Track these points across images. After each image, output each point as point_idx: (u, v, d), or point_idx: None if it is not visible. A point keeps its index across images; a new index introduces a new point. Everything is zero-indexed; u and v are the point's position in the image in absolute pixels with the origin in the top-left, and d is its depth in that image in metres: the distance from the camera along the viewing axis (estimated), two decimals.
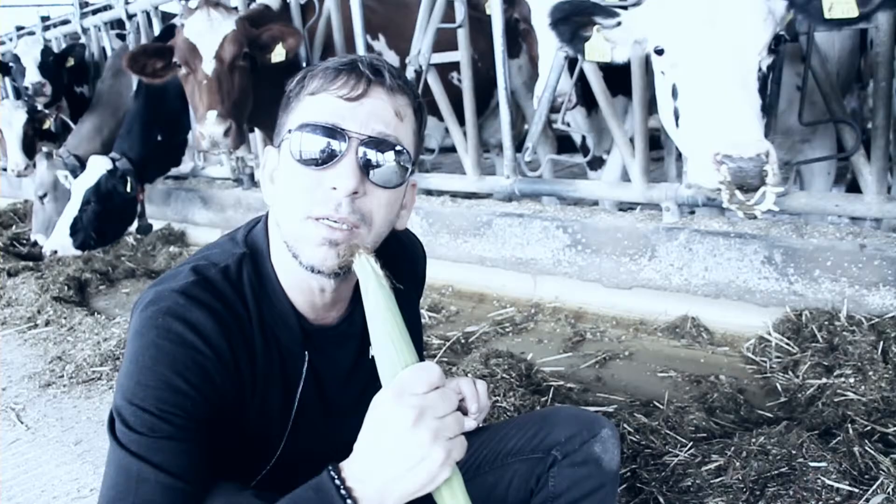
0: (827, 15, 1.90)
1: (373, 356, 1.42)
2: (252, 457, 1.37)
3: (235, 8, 4.22)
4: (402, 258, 1.56)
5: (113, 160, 4.97)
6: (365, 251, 1.21)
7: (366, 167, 1.22)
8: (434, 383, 1.04)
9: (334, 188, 1.21)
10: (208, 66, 3.96)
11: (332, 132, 1.21)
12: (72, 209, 4.87)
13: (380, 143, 1.23)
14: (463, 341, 3.42)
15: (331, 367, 1.42)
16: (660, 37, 2.01)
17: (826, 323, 2.78)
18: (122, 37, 6.51)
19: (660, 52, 2.01)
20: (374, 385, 1.11)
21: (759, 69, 1.87)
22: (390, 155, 1.24)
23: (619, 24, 2.07)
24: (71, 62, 6.53)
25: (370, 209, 1.25)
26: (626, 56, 2.16)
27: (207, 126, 3.89)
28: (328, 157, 1.21)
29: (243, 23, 4.08)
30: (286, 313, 1.34)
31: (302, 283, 1.33)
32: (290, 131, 1.25)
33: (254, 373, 1.29)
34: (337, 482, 1.02)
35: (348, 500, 1.01)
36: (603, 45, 2.13)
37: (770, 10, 1.90)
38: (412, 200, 1.41)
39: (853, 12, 1.87)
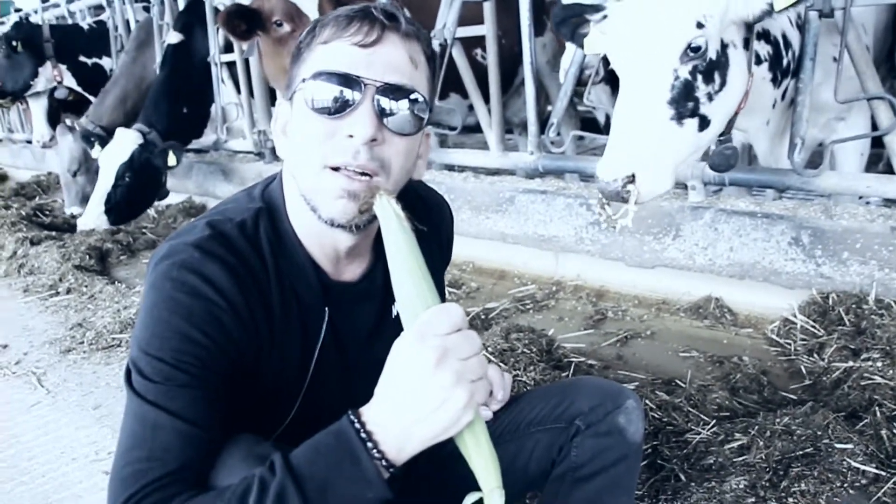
0: None
1: (396, 315, 1.40)
2: (269, 413, 1.36)
3: None
4: (427, 221, 1.54)
5: (143, 133, 4.94)
6: (386, 192, 1.18)
7: (382, 115, 1.21)
8: (457, 324, 1.01)
9: (351, 136, 1.19)
10: None
11: (348, 80, 1.19)
12: (104, 185, 4.83)
13: (396, 91, 1.21)
14: (483, 317, 3.40)
15: (352, 325, 1.40)
16: (606, 43, 2.14)
17: (854, 306, 2.73)
18: (146, 9, 6.50)
19: (607, 61, 2.18)
20: None
21: (676, 76, 2.00)
22: (405, 102, 1.23)
23: (605, 16, 2.14)
24: (20, 49, 6.43)
25: (388, 156, 1.23)
26: None
27: None
28: (343, 106, 1.20)
29: None
30: (305, 268, 1.33)
31: (320, 237, 1.32)
32: (303, 80, 1.23)
33: (271, 327, 1.28)
34: (357, 426, 1.01)
35: (368, 444, 1.00)
36: (598, 38, 2.22)
37: (698, 20, 1.98)
38: (427, 150, 1.39)
39: None
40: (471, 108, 4.29)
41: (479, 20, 3.95)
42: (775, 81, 2.44)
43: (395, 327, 1.38)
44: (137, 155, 4.85)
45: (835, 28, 2.59)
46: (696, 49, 1.98)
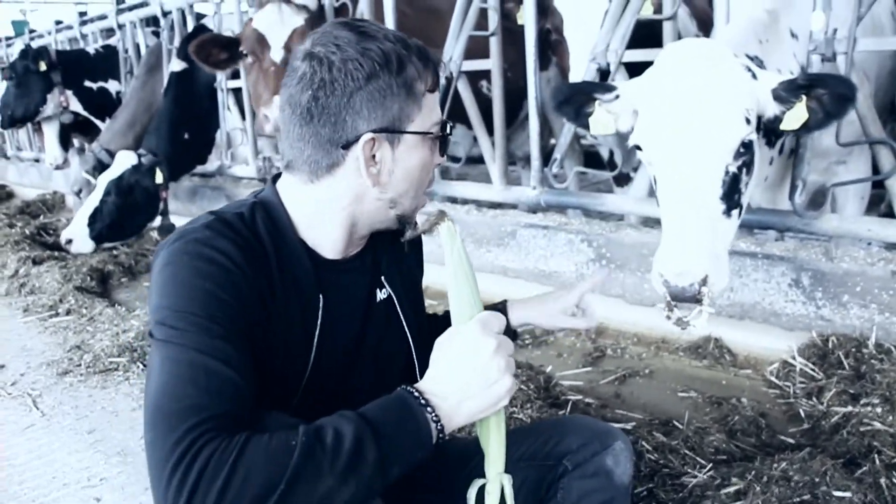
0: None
1: (381, 300, 1.53)
2: (276, 394, 1.35)
3: (305, 6, 4.23)
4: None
5: (139, 156, 4.98)
6: (450, 219, 1.35)
7: None
8: (504, 328, 1.24)
9: (437, 164, 1.44)
10: (277, 54, 3.96)
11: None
12: (93, 200, 4.87)
13: None
14: None
15: (345, 304, 1.44)
16: (637, 134, 2.09)
17: (853, 350, 2.71)
18: (157, 34, 6.58)
19: (638, 147, 2.10)
20: (389, 330, 1.46)
21: (727, 172, 1.98)
22: None
23: (617, 96, 2.16)
24: (43, 67, 6.53)
25: None
26: (630, 125, 2.22)
27: (274, 110, 3.83)
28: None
29: (313, 20, 4.09)
30: (299, 252, 1.37)
31: (341, 237, 1.40)
32: (430, 131, 1.37)
33: (274, 302, 1.30)
34: (416, 395, 1.15)
35: (428, 409, 1.14)
36: (605, 118, 2.24)
37: (746, 116, 1.95)
38: None
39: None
40: (475, 139, 4.32)
41: (486, 53, 3.99)
42: (770, 143, 2.43)
43: (384, 309, 1.51)
44: (128, 174, 4.89)
45: None
46: (748, 145, 1.97)
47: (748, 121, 1.96)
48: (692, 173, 1.96)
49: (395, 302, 1.53)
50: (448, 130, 1.41)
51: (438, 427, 1.14)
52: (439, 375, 1.18)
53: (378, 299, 1.51)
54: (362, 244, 1.48)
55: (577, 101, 2.25)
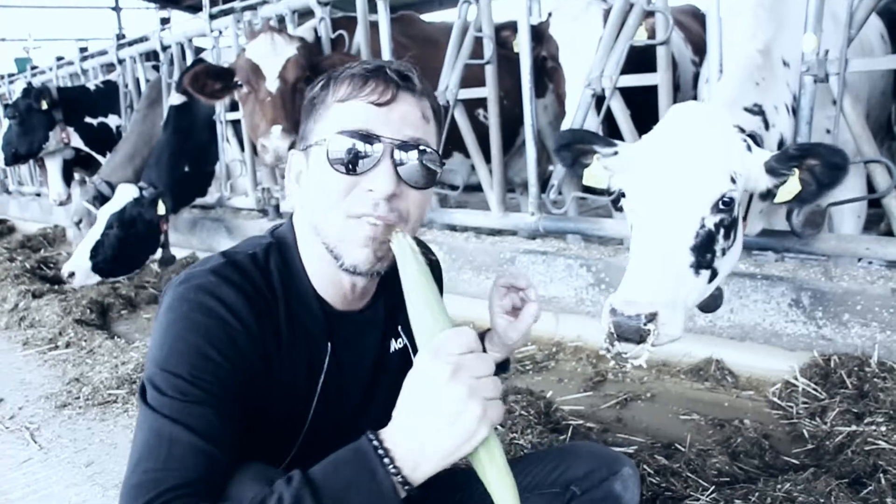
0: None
1: (395, 350, 1.47)
2: (274, 445, 1.35)
3: (297, 36, 4.28)
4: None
5: (140, 189, 5.01)
6: (401, 230, 1.26)
7: (399, 170, 1.27)
8: (470, 346, 1.05)
9: (370, 190, 1.26)
10: (272, 84, 4.01)
11: (368, 138, 1.26)
12: (94, 233, 4.89)
13: (412, 147, 1.29)
14: None
15: (354, 356, 1.43)
16: (625, 181, 2.09)
17: (856, 369, 2.70)
18: (156, 68, 6.64)
19: (623, 195, 2.11)
20: (400, 380, 1.11)
21: (703, 225, 1.95)
22: (422, 158, 1.30)
23: (615, 153, 2.15)
24: (45, 105, 6.62)
25: (406, 208, 1.30)
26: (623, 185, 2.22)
27: (272, 140, 3.88)
28: (365, 163, 1.26)
29: (306, 49, 4.14)
30: (310, 301, 1.36)
31: (332, 278, 1.36)
32: (324, 139, 1.28)
33: (279, 354, 1.30)
34: (375, 442, 1.03)
35: (385, 459, 1.02)
36: (601, 172, 2.22)
37: (731, 175, 1.96)
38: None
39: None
40: (473, 167, 4.33)
41: (482, 82, 4.02)
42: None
43: (398, 361, 1.46)
44: (129, 207, 4.91)
45: (828, 100, 2.62)
46: (728, 202, 1.95)
47: (733, 180, 1.95)
48: (667, 216, 1.95)
49: (411, 351, 1.50)
50: (346, 141, 1.25)
51: (399, 479, 1.02)
52: (400, 416, 1.05)
53: (392, 349, 1.49)
54: (368, 294, 1.45)
55: (577, 149, 2.25)
